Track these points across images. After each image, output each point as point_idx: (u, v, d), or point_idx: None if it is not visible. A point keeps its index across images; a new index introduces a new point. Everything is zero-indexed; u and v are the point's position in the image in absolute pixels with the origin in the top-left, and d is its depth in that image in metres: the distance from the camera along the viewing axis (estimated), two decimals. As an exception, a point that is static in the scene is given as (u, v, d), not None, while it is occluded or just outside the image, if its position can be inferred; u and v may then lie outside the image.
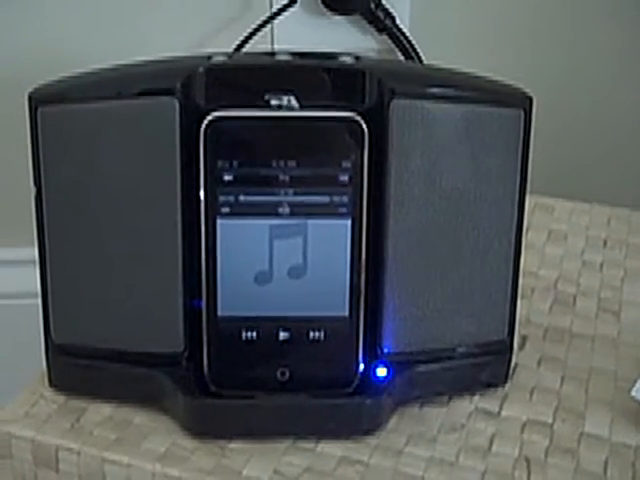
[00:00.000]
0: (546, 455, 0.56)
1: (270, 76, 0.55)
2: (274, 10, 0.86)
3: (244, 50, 0.84)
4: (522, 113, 0.57)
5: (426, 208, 0.56)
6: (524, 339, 0.66)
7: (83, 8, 0.89)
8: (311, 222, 0.55)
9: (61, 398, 0.60)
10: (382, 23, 0.87)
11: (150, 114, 0.55)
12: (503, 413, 0.60)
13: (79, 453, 0.56)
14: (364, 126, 0.54)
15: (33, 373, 0.62)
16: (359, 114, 0.54)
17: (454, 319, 0.59)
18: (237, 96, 0.55)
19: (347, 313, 0.56)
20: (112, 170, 0.56)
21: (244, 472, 0.55)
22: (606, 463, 0.56)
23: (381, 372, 0.58)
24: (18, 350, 0.89)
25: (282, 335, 0.57)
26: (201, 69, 0.54)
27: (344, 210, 0.55)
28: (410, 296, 0.58)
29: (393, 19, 0.87)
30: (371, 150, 0.55)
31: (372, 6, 0.87)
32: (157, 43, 0.79)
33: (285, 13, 0.86)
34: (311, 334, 0.57)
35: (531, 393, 0.61)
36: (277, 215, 0.55)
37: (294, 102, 0.54)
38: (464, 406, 0.60)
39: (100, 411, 0.59)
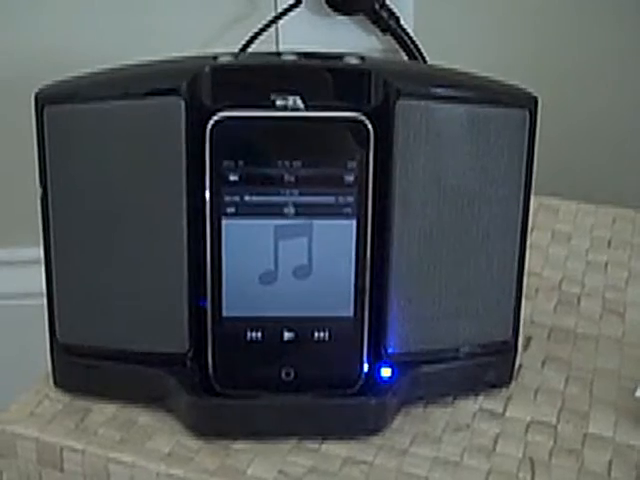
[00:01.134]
0: (550, 456, 0.56)
1: (275, 76, 0.55)
2: (279, 10, 0.86)
3: (249, 50, 0.84)
4: (527, 113, 0.57)
5: (431, 208, 0.56)
6: (528, 340, 0.66)
7: (88, 8, 0.89)
8: (316, 222, 0.55)
9: (66, 398, 0.60)
10: (386, 23, 0.87)
11: (156, 114, 0.55)
12: (507, 414, 0.60)
13: (84, 453, 0.56)
14: (369, 126, 0.54)
15: (38, 373, 0.62)
16: (365, 114, 0.54)
17: (458, 319, 0.59)
18: (243, 96, 0.54)
19: (352, 313, 0.56)
20: (118, 170, 0.56)
21: (248, 472, 0.55)
22: (610, 464, 0.56)
23: (385, 372, 0.58)
24: (23, 350, 0.89)
25: (287, 335, 0.56)
26: (207, 69, 0.54)
27: (349, 210, 0.55)
28: (414, 296, 0.58)
29: (397, 19, 0.87)
30: (376, 150, 0.55)
31: (376, 7, 0.87)
32: (162, 43, 0.79)
33: (290, 13, 0.86)
34: (316, 334, 0.57)
35: (535, 394, 0.61)
36: (282, 215, 0.55)
37: (299, 103, 0.54)
38: (468, 406, 0.60)
39: (104, 411, 0.59)
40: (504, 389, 0.61)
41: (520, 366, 0.63)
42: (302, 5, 0.86)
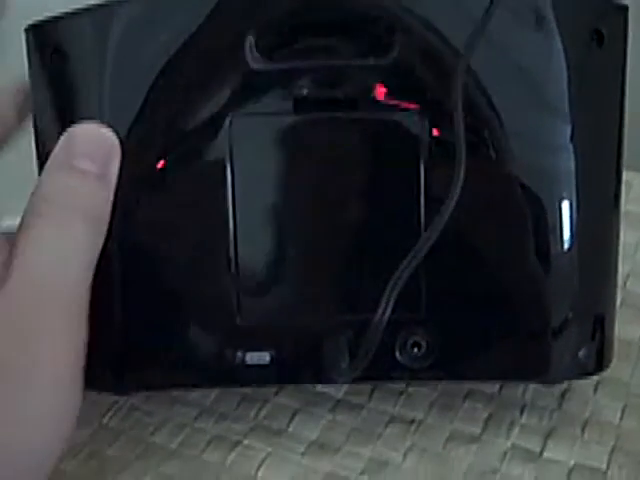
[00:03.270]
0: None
1: None
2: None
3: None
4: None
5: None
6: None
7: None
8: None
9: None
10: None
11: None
12: (546, 454, 0.48)
13: None
14: None
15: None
16: None
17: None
18: None
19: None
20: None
21: None
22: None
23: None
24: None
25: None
26: None
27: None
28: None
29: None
30: None
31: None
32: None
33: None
34: None
35: (583, 428, 0.50)
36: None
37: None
38: (498, 443, 0.49)
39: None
40: (545, 420, 0.51)
41: (565, 391, 0.52)
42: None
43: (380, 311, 0.44)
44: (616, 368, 0.53)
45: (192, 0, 0.44)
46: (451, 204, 0.44)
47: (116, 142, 0.44)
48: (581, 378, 0.51)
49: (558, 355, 0.48)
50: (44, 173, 0.43)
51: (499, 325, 0.47)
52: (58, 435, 0.41)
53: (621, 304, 0.58)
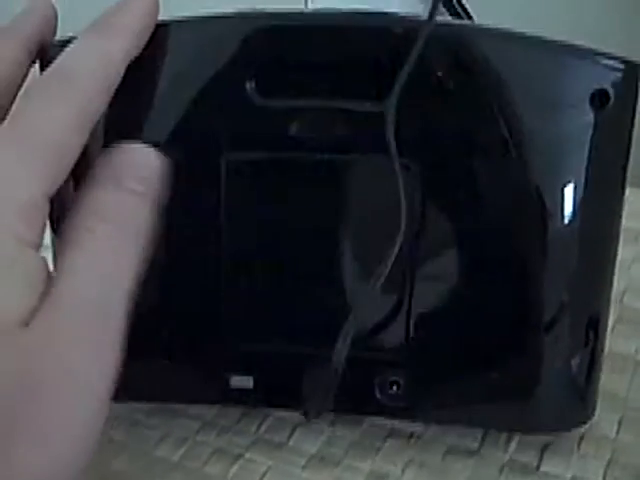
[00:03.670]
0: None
1: None
2: (309, -39, 0.76)
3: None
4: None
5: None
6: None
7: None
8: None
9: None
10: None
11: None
12: (543, 468, 0.49)
13: None
14: None
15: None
16: None
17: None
18: None
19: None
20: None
21: None
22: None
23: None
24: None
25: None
26: None
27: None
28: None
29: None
30: None
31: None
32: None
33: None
34: None
35: (580, 441, 0.50)
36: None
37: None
38: (496, 456, 0.50)
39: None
40: (541, 434, 0.51)
41: (564, 404, 0.53)
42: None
43: (337, 346, 0.45)
44: (613, 382, 0.54)
45: (191, 38, 0.45)
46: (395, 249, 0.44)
47: (157, 162, 0.44)
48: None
49: (542, 408, 0.49)
50: (91, 189, 0.43)
51: (480, 370, 0.48)
52: (85, 451, 0.41)
53: (618, 319, 0.58)
